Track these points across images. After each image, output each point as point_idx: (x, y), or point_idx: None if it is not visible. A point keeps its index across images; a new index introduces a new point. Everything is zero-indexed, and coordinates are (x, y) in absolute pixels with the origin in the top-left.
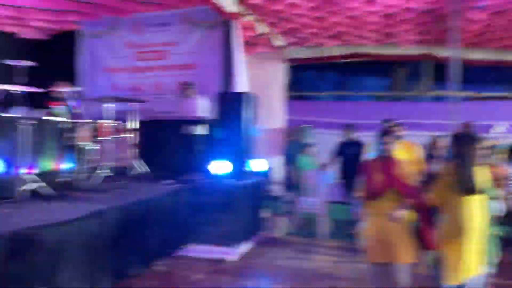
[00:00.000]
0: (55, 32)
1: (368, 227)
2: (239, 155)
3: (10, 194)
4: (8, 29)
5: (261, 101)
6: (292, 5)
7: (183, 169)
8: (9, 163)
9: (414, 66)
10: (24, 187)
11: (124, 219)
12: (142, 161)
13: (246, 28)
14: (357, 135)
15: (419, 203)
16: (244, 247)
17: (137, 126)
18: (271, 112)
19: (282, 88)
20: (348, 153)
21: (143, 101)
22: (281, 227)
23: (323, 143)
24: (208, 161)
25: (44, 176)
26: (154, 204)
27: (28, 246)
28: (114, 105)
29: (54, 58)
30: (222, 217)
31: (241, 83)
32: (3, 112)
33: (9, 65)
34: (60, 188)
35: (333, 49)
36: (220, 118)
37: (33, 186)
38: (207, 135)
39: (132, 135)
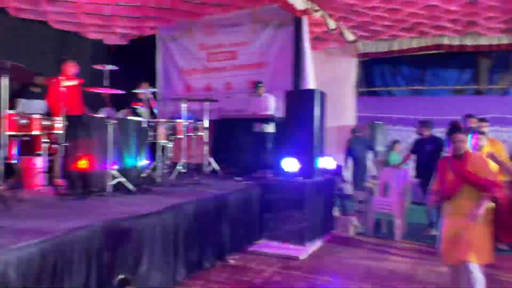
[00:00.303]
0: (135, 37)
1: (444, 227)
2: (309, 153)
3: (101, 188)
4: (94, 36)
5: (331, 97)
6: None
7: (253, 166)
8: (100, 160)
9: (499, 56)
10: (111, 182)
11: (199, 213)
12: (214, 158)
13: (315, 23)
14: (434, 132)
15: (500, 199)
16: (315, 245)
17: (210, 124)
18: (341, 108)
19: (353, 84)
20: (425, 151)
21: (215, 101)
22: (353, 226)
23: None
24: (277, 159)
25: (126, 171)
26: (227, 200)
27: (116, 236)
28: (186, 104)
29: (134, 62)
30: (292, 214)
31: (310, 80)
32: (94, 113)
33: (96, 69)
34: (141, 183)
35: (409, 42)
36: (289, 116)
37: (117, 181)
38: (277, 133)
39: (205, 133)
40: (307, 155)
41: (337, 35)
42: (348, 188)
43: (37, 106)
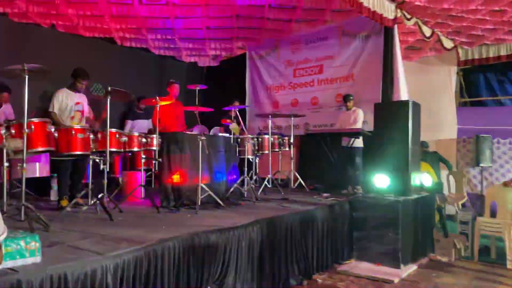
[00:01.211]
0: (225, 58)
1: None
2: (402, 169)
3: (192, 201)
4: (189, 59)
5: (428, 109)
6: (462, 0)
7: (341, 182)
8: (191, 174)
9: None
10: (201, 196)
11: (284, 228)
12: (301, 174)
13: (408, 32)
14: None
15: None
16: (410, 269)
17: (296, 140)
18: (439, 121)
19: (453, 94)
20: None
21: (300, 116)
22: (455, 250)
23: (507, 155)
24: (367, 175)
25: (216, 186)
26: (313, 216)
27: (204, 247)
28: (271, 120)
29: (225, 81)
30: (384, 234)
31: (402, 92)
32: (187, 130)
33: (191, 89)
34: (227, 197)
35: None
36: (379, 129)
37: (207, 194)
38: (366, 147)
39: (291, 148)
40: (400, 171)
41: (434, 43)
42: (451, 207)
43: (142, 125)
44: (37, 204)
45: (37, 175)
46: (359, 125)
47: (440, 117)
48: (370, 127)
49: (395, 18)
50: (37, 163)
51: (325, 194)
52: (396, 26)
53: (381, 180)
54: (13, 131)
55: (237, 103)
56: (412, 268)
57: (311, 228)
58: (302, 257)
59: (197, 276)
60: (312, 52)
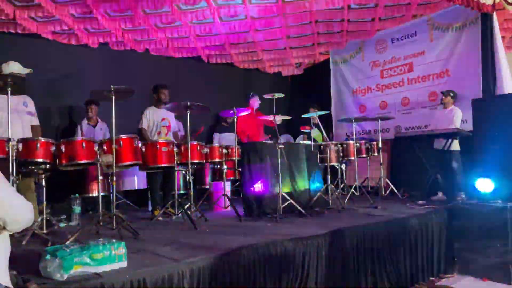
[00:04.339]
0: (308, 65)
1: None
2: (509, 171)
3: (272, 210)
4: (273, 70)
5: None
6: None
7: (437, 189)
8: (272, 183)
9: None
10: (282, 205)
11: (369, 238)
12: (393, 180)
13: None
14: None
15: None
16: None
17: (387, 144)
18: None
19: None
20: None
21: (387, 118)
22: None
23: None
24: (467, 180)
25: (298, 194)
26: (403, 226)
27: (277, 256)
28: (355, 125)
29: (309, 88)
30: (491, 245)
31: (506, 85)
32: (274, 139)
33: (274, 99)
34: (310, 205)
35: None
36: (480, 128)
37: (288, 203)
38: (466, 149)
39: (380, 153)
40: (507, 173)
41: None
42: None
43: (229, 137)
44: (135, 214)
45: (136, 187)
46: (456, 125)
47: None
48: (470, 126)
49: (494, 3)
50: (135, 176)
51: (420, 202)
52: (495, 12)
53: (484, 185)
54: (105, 147)
55: (312, 110)
56: None
57: (403, 238)
58: (393, 269)
59: (274, 284)
60: (400, 50)
